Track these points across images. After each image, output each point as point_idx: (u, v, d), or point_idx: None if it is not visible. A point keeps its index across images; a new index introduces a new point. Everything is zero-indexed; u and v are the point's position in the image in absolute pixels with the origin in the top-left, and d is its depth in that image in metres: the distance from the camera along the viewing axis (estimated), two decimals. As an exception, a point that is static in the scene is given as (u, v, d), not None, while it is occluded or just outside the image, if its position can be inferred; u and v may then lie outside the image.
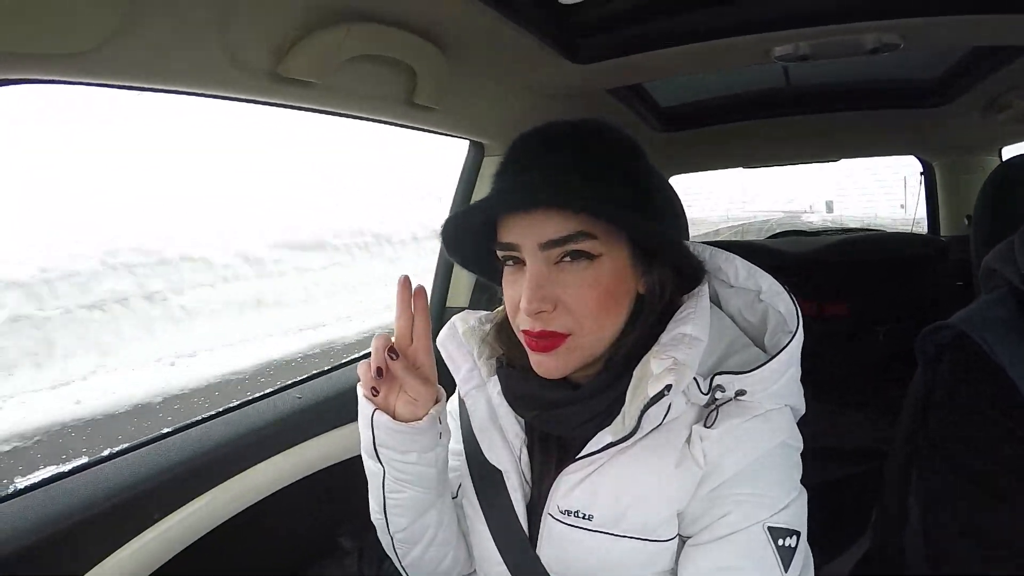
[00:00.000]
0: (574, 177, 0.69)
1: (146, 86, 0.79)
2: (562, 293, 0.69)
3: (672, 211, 0.86)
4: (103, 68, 0.71)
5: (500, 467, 0.80)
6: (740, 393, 0.70)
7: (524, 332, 0.72)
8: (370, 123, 1.16)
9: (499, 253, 0.73)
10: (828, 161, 2.46)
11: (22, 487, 0.88)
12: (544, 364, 0.72)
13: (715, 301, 0.81)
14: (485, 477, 0.82)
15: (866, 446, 1.52)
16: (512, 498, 0.78)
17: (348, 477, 1.26)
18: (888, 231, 2.48)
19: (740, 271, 0.80)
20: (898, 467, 0.99)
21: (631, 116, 1.84)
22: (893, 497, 0.99)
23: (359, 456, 1.28)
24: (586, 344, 0.71)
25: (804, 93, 1.94)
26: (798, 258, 2.10)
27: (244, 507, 1.08)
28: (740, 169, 2.62)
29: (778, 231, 2.84)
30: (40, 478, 0.91)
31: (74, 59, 0.67)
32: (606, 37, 1.17)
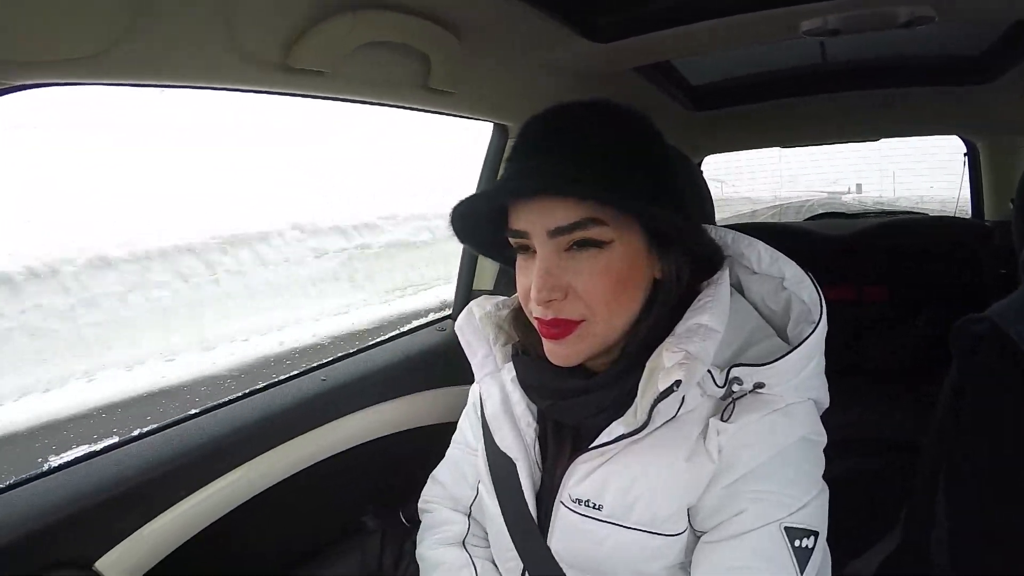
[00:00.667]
0: (581, 162, 0.67)
1: (158, 83, 0.80)
2: (573, 280, 0.68)
3: (693, 193, 0.83)
4: (116, 68, 0.72)
5: (510, 455, 0.80)
6: (759, 386, 0.68)
7: (537, 319, 0.71)
8: (386, 108, 1.16)
9: (511, 240, 0.72)
10: (868, 140, 2.37)
11: (55, 465, 0.92)
12: (557, 352, 0.72)
13: (738, 288, 0.79)
14: (499, 464, 0.82)
15: (901, 438, 1.48)
16: (523, 486, 0.79)
17: (372, 458, 1.29)
18: (931, 214, 2.38)
19: (763, 257, 0.78)
20: (930, 463, 0.96)
21: (660, 95, 1.79)
22: (923, 494, 0.96)
23: (383, 437, 1.32)
24: (599, 331, 0.70)
25: (841, 70, 1.87)
26: (837, 241, 2.04)
27: (270, 485, 1.11)
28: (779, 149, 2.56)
29: (818, 212, 2.77)
30: (72, 456, 0.94)
31: (87, 62, 0.69)
32: (625, 14, 1.13)
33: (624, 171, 0.68)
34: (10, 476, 0.89)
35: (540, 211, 0.68)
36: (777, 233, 2.20)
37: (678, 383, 0.64)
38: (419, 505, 1.01)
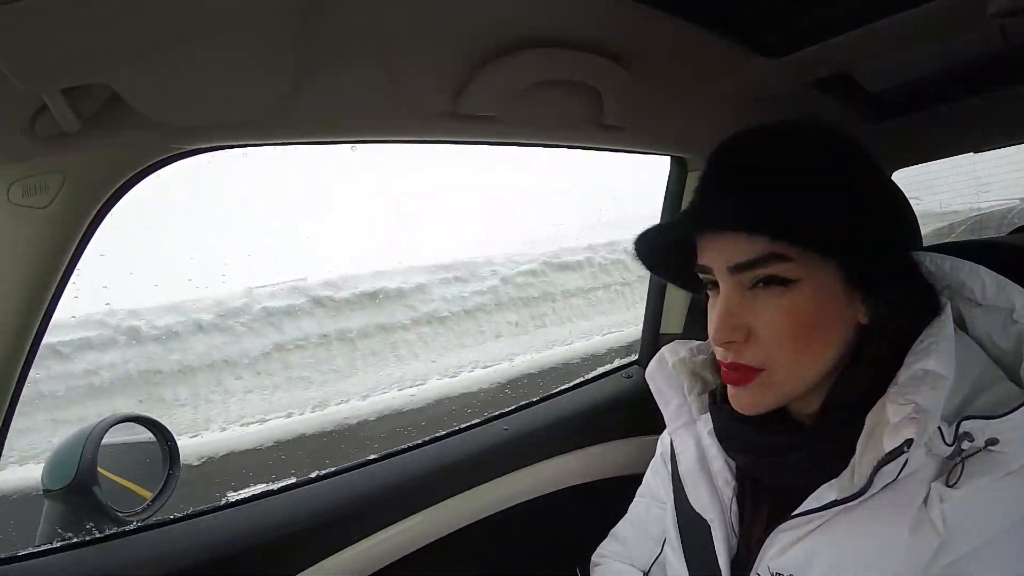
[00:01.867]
0: (764, 192, 0.62)
1: (325, 140, 0.84)
2: (754, 322, 0.62)
3: (901, 220, 0.72)
4: (282, 128, 0.77)
5: (706, 516, 0.73)
6: (991, 442, 0.57)
7: (719, 361, 0.66)
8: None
9: (699, 275, 0.68)
10: None
11: (233, 500, 0.98)
12: (737, 398, 0.66)
13: (959, 323, 0.68)
14: (690, 526, 0.76)
15: None
16: (717, 551, 0.71)
17: (551, 511, 1.26)
18: None
19: (988, 286, 0.67)
20: None
21: (839, 108, 1.65)
22: None
23: (563, 489, 1.27)
24: (781, 381, 0.63)
25: None
26: None
27: (445, 534, 1.11)
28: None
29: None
30: (249, 494, 1.00)
31: (251, 125, 0.73)
32: (797, 23, 1.05)
33: (815, 200, 0.61)
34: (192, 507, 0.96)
35: (721, 246, 0.63)
36: (979, 252, 1.90)
37: (909, 442, 0.55)
38: (592, 559, 0.96)
